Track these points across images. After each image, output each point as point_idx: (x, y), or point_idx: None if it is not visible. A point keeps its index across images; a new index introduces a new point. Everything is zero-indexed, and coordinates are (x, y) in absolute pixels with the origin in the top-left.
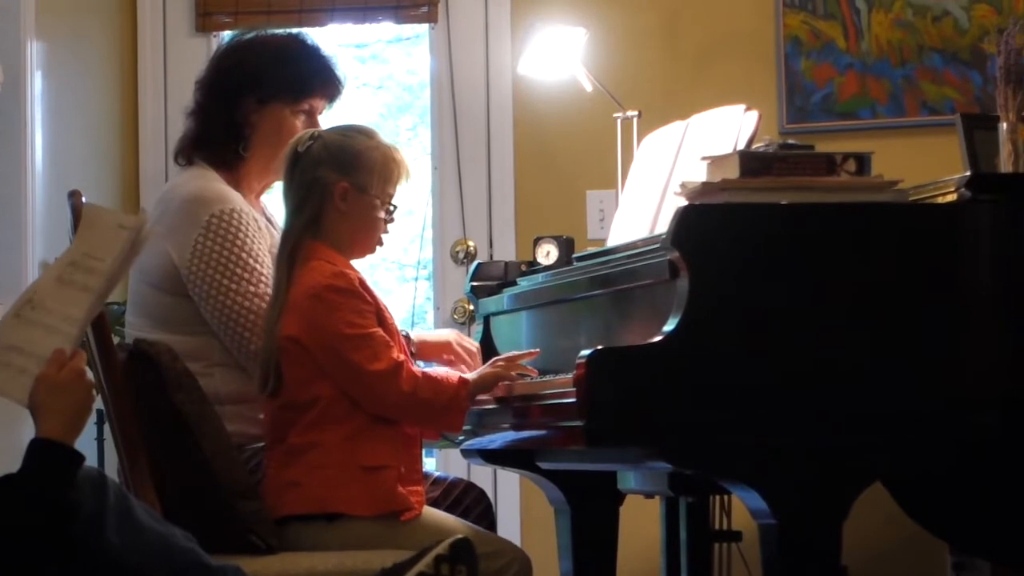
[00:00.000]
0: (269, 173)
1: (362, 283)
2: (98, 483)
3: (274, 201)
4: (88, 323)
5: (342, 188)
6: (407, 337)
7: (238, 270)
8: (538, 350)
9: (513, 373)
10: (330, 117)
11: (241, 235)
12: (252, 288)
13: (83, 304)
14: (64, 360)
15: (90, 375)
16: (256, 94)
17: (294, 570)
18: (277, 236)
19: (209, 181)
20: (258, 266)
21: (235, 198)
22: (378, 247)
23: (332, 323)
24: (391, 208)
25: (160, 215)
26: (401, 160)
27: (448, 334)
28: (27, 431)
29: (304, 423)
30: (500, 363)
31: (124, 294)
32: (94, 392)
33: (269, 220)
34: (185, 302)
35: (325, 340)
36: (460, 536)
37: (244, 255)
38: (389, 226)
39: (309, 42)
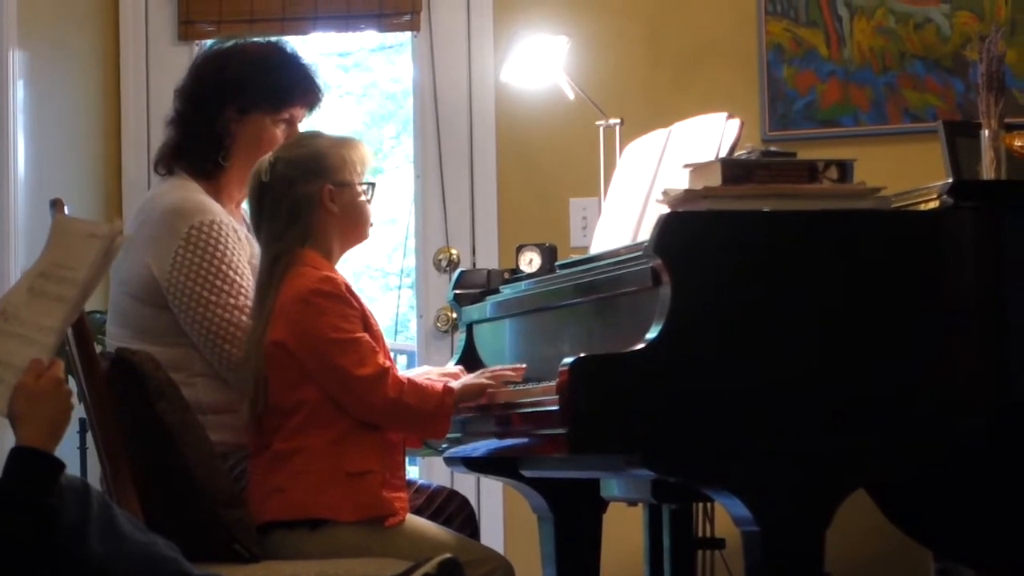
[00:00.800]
0: None
1: (348, 288)
2: (81, 492)
3: None
4: (64, 332)
5: (328, 191)
6: (391, 358)
7: (218, 282)
8: (524, 366)
9: (498, 385)
10: (311, 125)
11: (221, 247)
12: (232, 300)
13: (58, 314)
14: (41, 369)
15: (71, 384)
16: (236, 103)
17: None
18: (257, 246)
19: (189, 192)
20: (238, 278)
21: (215, 209)
22: (370, 229)
23: (319, 327)
24: (370, 187)
25: (140, 226)
26: (359, 145)
27: (427, 369)
28: (7, 440)
29: (289, 428)
30: (487, 375)
31: (106, 303)
32: (73, 400)
33: (250, 229)
34: (166, 314)
35: (312, 344)
36: (448, 555)
37: (224, 267)
38: (371, 207)
39: (289, 50)
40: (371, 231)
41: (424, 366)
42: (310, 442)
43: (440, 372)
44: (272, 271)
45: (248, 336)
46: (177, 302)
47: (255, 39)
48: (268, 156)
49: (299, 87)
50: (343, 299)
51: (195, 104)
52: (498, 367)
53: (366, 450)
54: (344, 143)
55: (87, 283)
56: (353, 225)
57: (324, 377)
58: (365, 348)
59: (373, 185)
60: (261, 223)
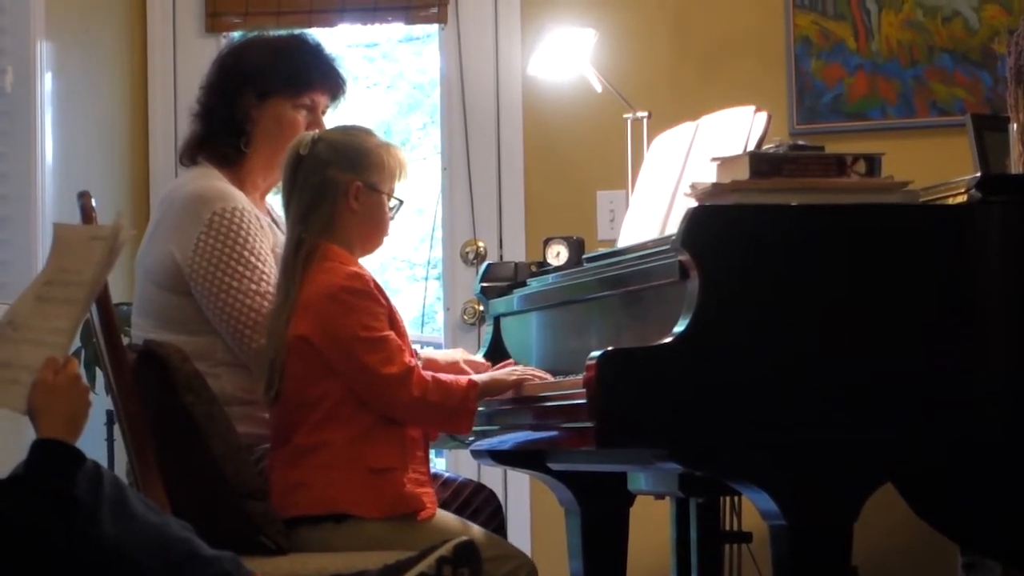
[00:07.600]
0: (272, 170)
1: (376, 285)
2: (93, 474)
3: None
4: (76, 332)
5: (356, 187)
6: (415, 355)
7: (240, 268)
8: (550, 376)
9: (524, 383)
10: (338, 117)
11: (243, 233)
12: (254, 286)
13: (68, 315)
14: (58, 366)
15: (98, 376)
16: (256, 88)
17: (303, 571)
18: (281, 236)
19: (212, 180)
20: (260, 264)
21: (237, 196)
22: (385, 239)
23: (347, 325)
24: (397, 204)
25: (163, 215)
26: (402, 157)
27: (455, 353)
28: (28, 436)
29: (311, 423)
30: (516, 374)
31: (132, 296)
32: (90, 396)
33: (274, 220)
34: (189, 301)
35: (339, 341)
36: (464, 538)
37: (246, 253)
38: (392, 223)
39: (310, 40)
40: (384, 241)
41: (450, 350)
42: (331, 437)
43: (466, 359)
44: (296, 256)
45: (269, 322)
46: (199, 288)
47: (279, 31)
48: (313, 132)
49: (317, 71)
50: (371, 297)
51: (216, 93)
52: (530, 368)
53: (388, 446)
54: (389, 149)
55: (94, 283)
56: (369, 231)
57: (350, 374)
58: (392, 347)
59: (401, 203)
60: (291, 196)
